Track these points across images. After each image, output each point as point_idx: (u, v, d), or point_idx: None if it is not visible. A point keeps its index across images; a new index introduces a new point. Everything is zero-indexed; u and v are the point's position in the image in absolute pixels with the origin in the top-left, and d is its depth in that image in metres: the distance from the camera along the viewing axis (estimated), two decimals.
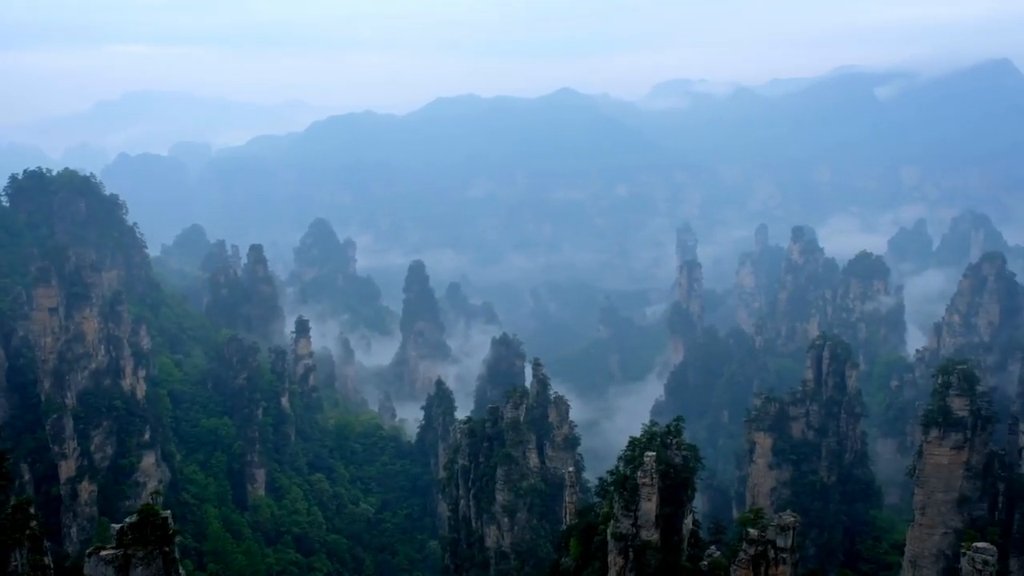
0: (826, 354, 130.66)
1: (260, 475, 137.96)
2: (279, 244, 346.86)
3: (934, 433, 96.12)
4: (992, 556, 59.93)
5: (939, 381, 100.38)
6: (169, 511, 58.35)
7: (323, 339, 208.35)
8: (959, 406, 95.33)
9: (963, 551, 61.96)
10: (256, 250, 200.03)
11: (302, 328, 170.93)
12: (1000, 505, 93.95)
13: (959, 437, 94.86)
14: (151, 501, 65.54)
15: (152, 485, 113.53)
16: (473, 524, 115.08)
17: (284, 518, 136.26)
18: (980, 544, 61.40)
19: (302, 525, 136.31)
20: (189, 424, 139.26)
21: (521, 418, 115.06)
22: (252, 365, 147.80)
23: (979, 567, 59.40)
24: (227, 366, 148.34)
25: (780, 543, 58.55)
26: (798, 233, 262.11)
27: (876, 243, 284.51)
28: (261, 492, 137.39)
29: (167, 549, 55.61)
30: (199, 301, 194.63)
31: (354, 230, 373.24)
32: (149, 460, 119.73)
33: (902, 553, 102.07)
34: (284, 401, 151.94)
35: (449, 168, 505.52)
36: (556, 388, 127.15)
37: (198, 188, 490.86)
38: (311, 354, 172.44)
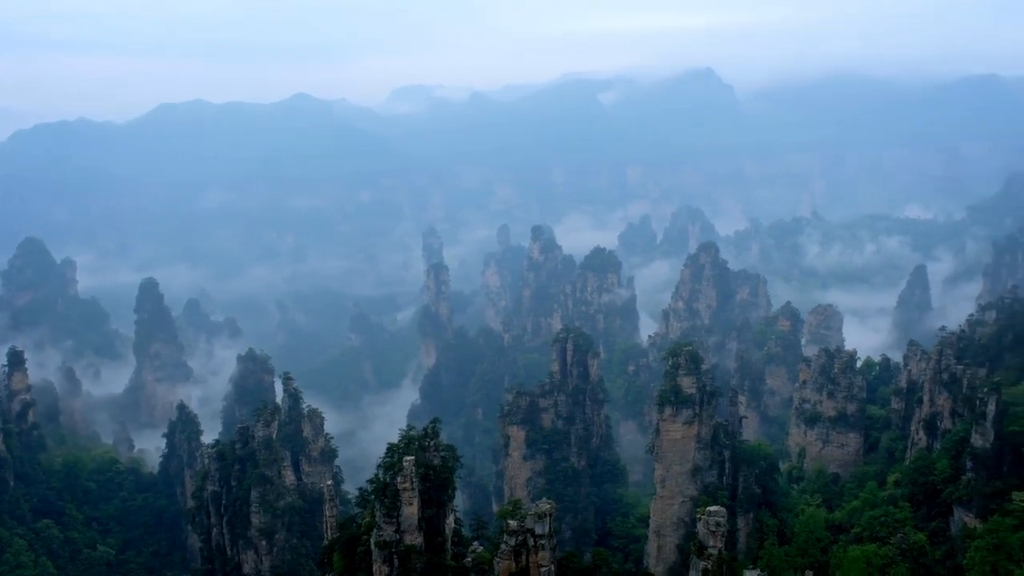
0: (569, 346, 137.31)
1: None
2: None
3: (668, 411, 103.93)
4: (723, 517, 66.04)
5: (669, 363, 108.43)
6: None
7: (42, 370, 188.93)
8: (688, 384, 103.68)
9: (699, 516, 67.61)
10: None
11: (15, 360, 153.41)
12: (727, 470, 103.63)
13: (689, 413, 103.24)
14: None
15: None
16: (228, 552, 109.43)
17: (5, 575, 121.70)
18: (712, 508, 67.38)
19: None
20: None
21: (273, 435, 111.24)
22: None
23: (713, 528, 65.15)
24: None
25: (539, 530, 60.68)
26: (537, 232, 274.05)
27: (608, 239, 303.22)
28: None
29: None
30: None
31: (73, 248, 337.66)
32: None
33: (648, 525, 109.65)
34: None
35: (178, 178, 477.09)
36: (309, 401, 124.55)
37: None
38: (28, 388, 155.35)
